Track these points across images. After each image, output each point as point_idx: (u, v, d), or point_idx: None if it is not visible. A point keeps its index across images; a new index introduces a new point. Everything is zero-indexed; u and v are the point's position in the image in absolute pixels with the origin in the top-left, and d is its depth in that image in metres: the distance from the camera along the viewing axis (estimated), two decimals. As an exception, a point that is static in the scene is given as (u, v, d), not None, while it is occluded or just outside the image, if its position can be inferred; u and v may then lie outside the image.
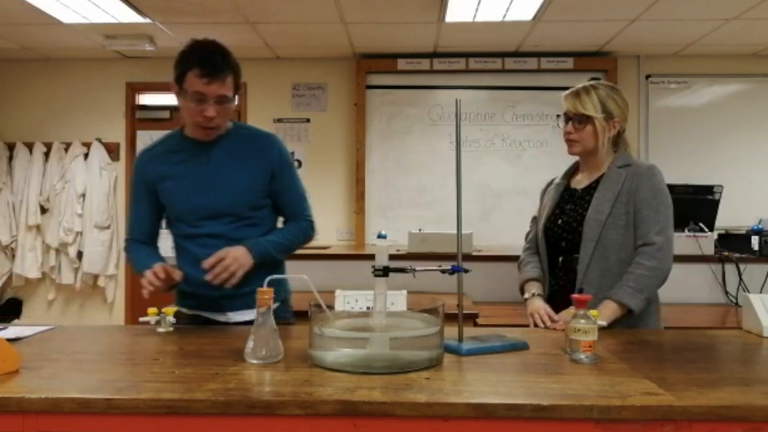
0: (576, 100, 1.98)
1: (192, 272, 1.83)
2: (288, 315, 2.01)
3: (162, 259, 1.89)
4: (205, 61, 1.74)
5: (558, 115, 2.07)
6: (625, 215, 1.93)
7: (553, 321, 1.92)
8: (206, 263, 1.73)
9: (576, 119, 1.98)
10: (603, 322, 1.72)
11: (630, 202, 1.93)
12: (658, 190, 1.94)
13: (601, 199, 1.96)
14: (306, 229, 1.99)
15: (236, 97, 1.84)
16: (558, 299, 1.99)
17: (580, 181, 2.09)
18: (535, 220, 2.25)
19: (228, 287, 1.76)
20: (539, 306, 2.00)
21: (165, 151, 1.94)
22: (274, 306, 1.91)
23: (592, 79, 2.08)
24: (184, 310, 1.95)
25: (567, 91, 2.03)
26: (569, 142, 2.03)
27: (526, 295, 2.08)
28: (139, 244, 1.97)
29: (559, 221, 2.05)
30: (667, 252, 1.90)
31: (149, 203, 1.95)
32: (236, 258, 1.75)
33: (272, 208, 1.97)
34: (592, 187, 2.03)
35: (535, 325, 1.96)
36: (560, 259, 2.04)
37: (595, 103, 1.95)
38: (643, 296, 1.87)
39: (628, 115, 2.04)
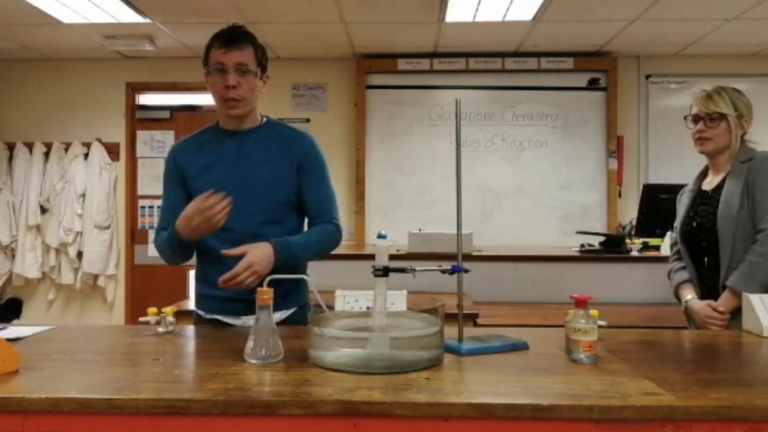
0: (708, 101, 2.06)
1: (211, 270, 1.79)
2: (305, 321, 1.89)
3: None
4: (224, 34, 1.83)
5: (685, 117, 2.13)
6: (751, 207, 1.98)
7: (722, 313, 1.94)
8: (224, 278, 1.66)
9: (708, 118, 2.05)
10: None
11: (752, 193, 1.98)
12: None
13: (729, 194, 2.00)
14: (332, 232, 1.92)
15: (263, 78, 1.88)
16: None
17: (710, 183, 2.13)
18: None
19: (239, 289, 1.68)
20: (701, 306, 2.01)
21: (197, 141, 1.95)
22: (291, 311, 1.91)
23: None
24: (201, 313, 1.92)
25: (696, 94, 2.10)
26: (701, 140, 2.08)
27: (684, 299, 2.12)
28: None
29: (694, 224, 2.09)
30: None
31: (182, 195, 1.89)
32: (254, 268, 1.67)
33: (299, 209, 1.94)
34: (720, 186, 2.07)
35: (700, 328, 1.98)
36: (706, 260, 2.07)
37: (727, 102, 2.04)
38: (756, 282, 1.90)
39: (752, 117, 2.10)
